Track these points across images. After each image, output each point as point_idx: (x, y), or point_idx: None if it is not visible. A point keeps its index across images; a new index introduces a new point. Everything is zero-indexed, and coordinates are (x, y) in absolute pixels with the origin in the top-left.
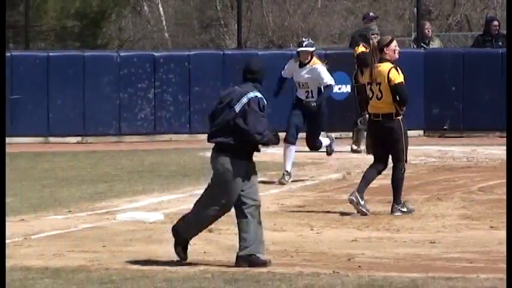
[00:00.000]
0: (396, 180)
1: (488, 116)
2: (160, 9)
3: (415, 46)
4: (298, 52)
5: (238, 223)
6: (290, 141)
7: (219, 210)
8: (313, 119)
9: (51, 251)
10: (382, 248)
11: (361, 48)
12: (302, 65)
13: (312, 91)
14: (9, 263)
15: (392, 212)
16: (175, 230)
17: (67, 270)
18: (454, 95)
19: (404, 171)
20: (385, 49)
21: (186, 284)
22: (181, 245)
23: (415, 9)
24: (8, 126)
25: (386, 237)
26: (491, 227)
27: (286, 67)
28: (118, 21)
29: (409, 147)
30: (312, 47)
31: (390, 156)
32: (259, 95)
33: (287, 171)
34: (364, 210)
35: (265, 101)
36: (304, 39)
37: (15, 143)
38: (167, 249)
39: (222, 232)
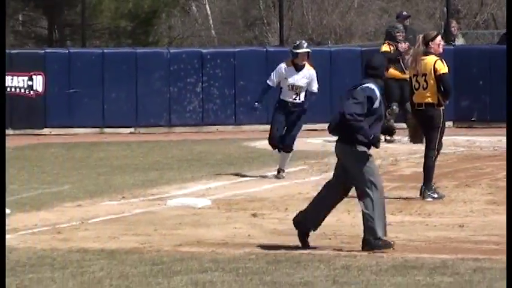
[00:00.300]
0: (427, 167)
1: None
2: (208, 8)
3: (444, 43)
4: (296, 53)
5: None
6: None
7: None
8: (297, 119)
9: (106, 234)
10: (414, 232)
11: (385, 47)
12: (299, 68)
13: (300, 94)
14: (67, 245)
15: (423, 197)
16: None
17: (121, 252)
18: (481, 89)
19: (435, 159)
20: (430, 43)
21: (231, 265)
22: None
23: (445, 8)
24: (65, 118)
25: (418, 221)
26: None
27: (277, 75)
28: (168, 21)
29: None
30: (309, 48)
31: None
32: (371, 86)
33: (282, 169)
34: (436, 196)
35: (376, 94)
36: (298, 41)
37: (72, 134)
38: (214, 233)
39: (265, 217)
